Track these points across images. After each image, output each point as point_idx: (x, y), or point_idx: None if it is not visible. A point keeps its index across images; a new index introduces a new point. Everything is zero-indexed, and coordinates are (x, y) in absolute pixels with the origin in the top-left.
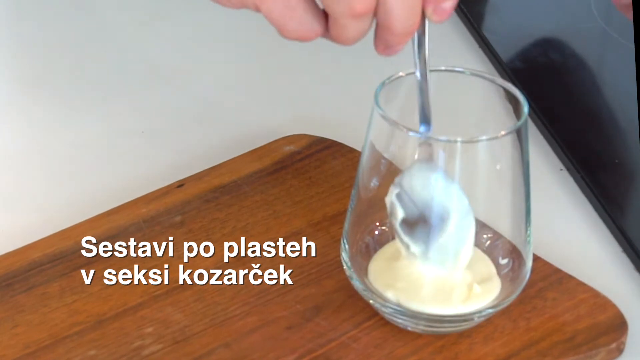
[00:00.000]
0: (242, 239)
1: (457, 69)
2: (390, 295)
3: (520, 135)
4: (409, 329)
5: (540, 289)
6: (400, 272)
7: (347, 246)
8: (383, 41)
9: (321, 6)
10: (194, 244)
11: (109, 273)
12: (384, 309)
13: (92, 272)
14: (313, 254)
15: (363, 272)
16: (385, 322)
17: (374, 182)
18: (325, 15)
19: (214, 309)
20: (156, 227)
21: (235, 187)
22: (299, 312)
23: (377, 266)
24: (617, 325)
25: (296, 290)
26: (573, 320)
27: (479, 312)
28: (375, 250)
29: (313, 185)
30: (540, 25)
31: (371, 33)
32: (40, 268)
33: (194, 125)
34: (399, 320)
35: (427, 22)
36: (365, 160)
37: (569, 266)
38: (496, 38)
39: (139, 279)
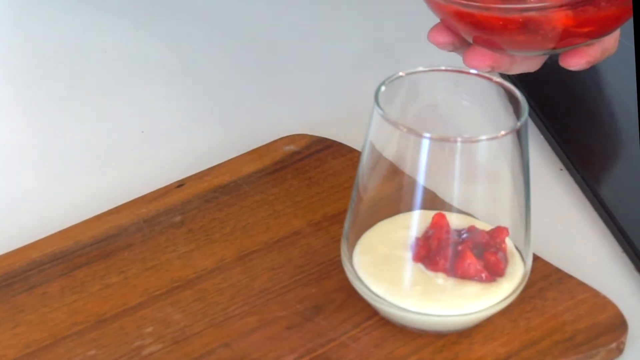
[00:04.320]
0: (242, 238)
1: (457, 69)
2: (381, 292)
3: (520, 135)
4: (410, 328)
5: (540, 289)
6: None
7: (347, 246)
8: None
9: None
10: (194, 244)
11: (109, 273)
12: (382, 307)
13: (92, 271)
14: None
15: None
16: (385, 322)
17: (374, 182)
18: None
19: (214, 308)
20: (156, 227)
21: (235, 187)
22: (299, 312)
23: (364, 257)
24: (617, 325)
25: (296, 290)
26: (573, 320)
27: (478, 312)
28: None
29: (313, 185)
30: None
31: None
32: (40, 268)
33: (194, 125)
34: (398, 319)
35: None
36: (365, 160)
37: (569, 266)
38: None
39: (139, 279)
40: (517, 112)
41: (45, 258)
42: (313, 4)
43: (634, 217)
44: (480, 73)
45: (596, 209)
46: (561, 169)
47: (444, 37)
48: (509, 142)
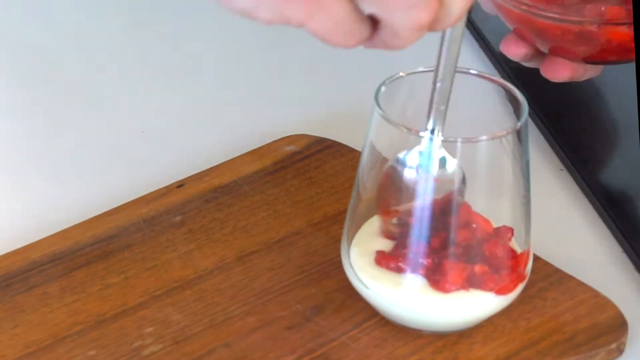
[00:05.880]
0: (242, 238)
1: (457, 68)
2: (381, 292)
3: (520, 135)
4: (410, 328)
5: (540, 289)
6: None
7: (347, 246)
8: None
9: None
10: (194, 244)
11: (109, 273)
12: (382, 307)
13: (92, 272)
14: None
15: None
16: (385, 322)
17: (374, 182)
18: (371, 21)
19: (214, 309)
20: (156, 227)
21: (235, 187)
22: (299, 312)
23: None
24: (617, 325)
25: (296, 290)
26: (573, 320)
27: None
28: None
29: (313, 185)
30: None
31: None
32: (40, 268)
33: (194, 125)
34: (398, 320)
35: (463, 22)
36: (365, 160)
37: (569, 266)
38: (496, 38)
39: (139, 279)
40: (517, 112)
41: (45, 258)
42: None
43: (634, 217)
44: (480, 73)
45: (596, 209)
46: (561, 169)
47: (518, 49)
48: (509, 142)
